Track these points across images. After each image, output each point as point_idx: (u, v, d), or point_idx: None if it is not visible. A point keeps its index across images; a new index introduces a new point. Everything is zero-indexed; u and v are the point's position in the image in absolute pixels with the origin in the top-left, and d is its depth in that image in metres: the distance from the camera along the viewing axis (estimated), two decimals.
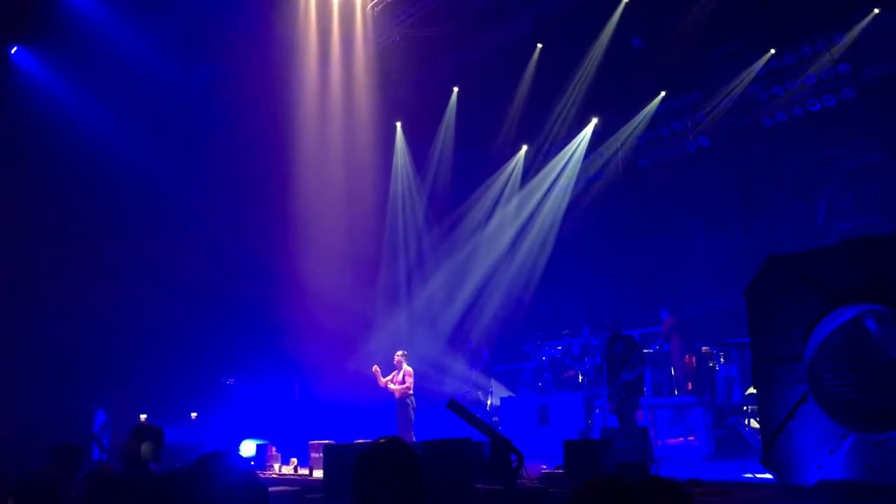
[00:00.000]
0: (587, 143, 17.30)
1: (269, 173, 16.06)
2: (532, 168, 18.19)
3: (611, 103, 16.49)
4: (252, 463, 12.22)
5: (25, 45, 14.81)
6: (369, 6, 15.47)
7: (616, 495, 2.24)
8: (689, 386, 13.61)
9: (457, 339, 17.48)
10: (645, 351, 12.73)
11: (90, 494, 5.28)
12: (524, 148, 18.17)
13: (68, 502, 4.57)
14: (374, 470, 2.76)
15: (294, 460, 12.17)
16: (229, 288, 16.08)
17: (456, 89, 17.63)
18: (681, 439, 12.70)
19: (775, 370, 6.88)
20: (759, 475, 7.93)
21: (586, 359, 14.92)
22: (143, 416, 14.85)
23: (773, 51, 14.53)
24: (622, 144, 16.84)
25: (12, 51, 14.78)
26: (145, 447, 6.58)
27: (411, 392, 13.53)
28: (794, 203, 15.27)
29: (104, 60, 14.28)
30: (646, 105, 16.16)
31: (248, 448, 13.58)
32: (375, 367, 13.55)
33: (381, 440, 2.89)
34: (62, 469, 5.24)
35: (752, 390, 12.40)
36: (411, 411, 13.44)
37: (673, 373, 14.03)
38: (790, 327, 6.83)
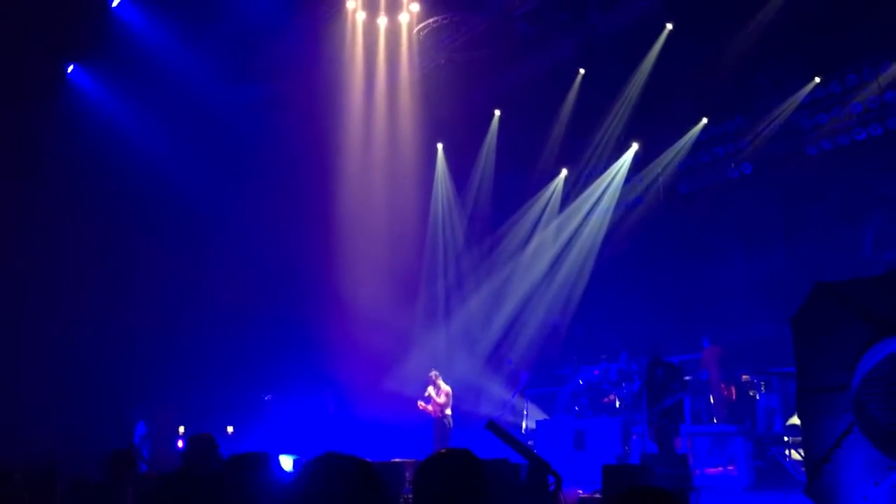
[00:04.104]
0: (627, 168, 17.28)
1: (313, 192, 16.30)
2: (572, 192, 18.20)
3: (652, 128, 16.48)
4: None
5: (81, 64, 15.25)
6: (415, 30, 15.70)
7: None
8: (726, 413, 13.43)
9: (494, 360, 17.46)
10: (685, 378, 12.60)
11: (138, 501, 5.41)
12: (564, 171, 18.20)
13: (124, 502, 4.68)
14: (438, 479, 2.66)
15: None
16: (270, 305, 16.30)
17: (498, 112, 17.76)
18: (720, 469, 12.51)
19: (821, 399, 6.79)
20: None
21: (624, 384, 14.80)
22: (181, 429, 15.08)
23: (817, 79, 14.43)
24: (663, 170, 16.79)
25: (69, 69, 15.22)
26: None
27: (449, 412, 13.56)
28: (838, 232, 15.06)
29: (156, 79, 14.66)
30: (688, 131, 16.12)
31: (284, 463, 13.67)
32: (421, 404, 13.68)
33: (444, 450, 2.79)
34: (117, 475, 5.35)
35: (793, 420, 12.21)
36: (448, 431, 13.47)
37: (712, 401, 13.86)
38: (836, 356, 6.74)
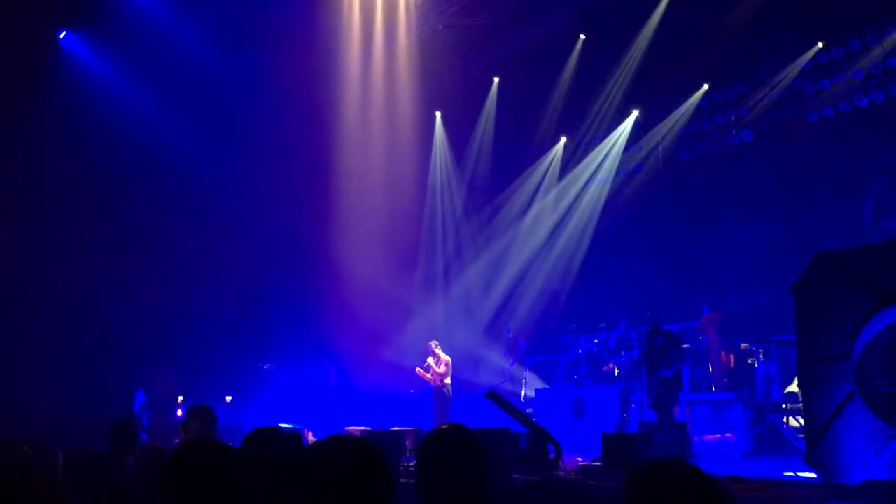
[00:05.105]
0: (627, 136, 17.16)
1: (311, 161, 16.18)
2: (571, 160, 18.09)
3: (653, 95, 16.32)
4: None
5: (74, 30, 15.04)
6: None
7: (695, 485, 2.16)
8: (724, 381, 13.49)
9: (493, 329, 17.49)
10: (684, 346, 12.63)
11: (139, 472, 5.39)
12: (563, 139, 18.07)
13: (126, 477, 4.66)
14: (440, 454, 2.75)
15: None
16: (269, 274, 16.29)
17: (497, 80, 17.56)
18: (718, 436, 12.59)
19: (822, 368, 6.80)
20: (800, 473, 7.85)
21: (623, 352, 14.85)
22: (180, 398, 15.13)
23: (820, 44, 14.27)
24: (663, 137, 16.68)
25: (61, 35, 15.01)
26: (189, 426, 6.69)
27: (448, 381, 13.61)
28: (839, 200, 15.02)
29: (151, 46, 14.45)
30: (688, 98, 15.97)
31: None
32: (419, 370, 13.72)
33: (444, 426, 2.89)
34: (120, 444, 5.34)
35: (791, 388, 12.28)
36: (448, 400, 13.54)
37: (710, 368, 13.91)
38: (838, 325, 6.74)
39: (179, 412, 14.65)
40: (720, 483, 2.18)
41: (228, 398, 15.57)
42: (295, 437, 3.38)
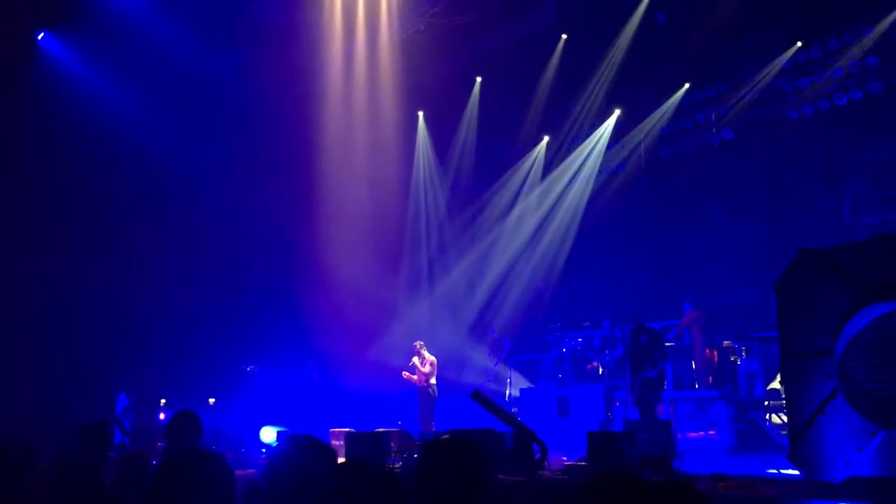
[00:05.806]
0: (609, 135, 17.22)
1: (293, 161, 16.11)
2: (554, 159, 18.13)
3: (634, 94, 16.39)
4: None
5: (52, 31, 14.88)
6: None
7: (633, 493, 2.24)
8: (710, 379, 13.57)
9: (478, 329, 17.49)
10: (667, 344, 12.68)
11: (122, 478, 5.32)
12: (546, 139, 18.11)
13: (101, 480, 4.60)
14: (441, 463, 2.75)
15: None
16: (252, 275, 16.19)
17: (479, 79, 17.57)
18: (701, 433, 12.65)
19: (805, 365, 6.84)
20: (783, 470, 7.89)
21: (607, 351, 14.88)
22: (162, 401, 15.02)
23: (800, 43, 14.40)
24: (645, 136, 16.77)
25: (39, 37, 14.85)
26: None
27: (434, 381, 13.60)
28: (819, 197, 15.14)
29: (132, 45, 14.33)
30: (669, 97, 16.07)
31: (268, 434, 13.67)
32: (406, 374, 13.70)
33: (445, 435, 2.89)
34: (93, 448, 5.28)
35: (773, 385, 12.37)
36: (433, 400, 13.52)
37: (694, 366, 13.98)
38: (820, 322, 6.78)
39: (162, 415, 14.54)
40: (663, 488, 2.25)
41: (211, 400, 15.48)
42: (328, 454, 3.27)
